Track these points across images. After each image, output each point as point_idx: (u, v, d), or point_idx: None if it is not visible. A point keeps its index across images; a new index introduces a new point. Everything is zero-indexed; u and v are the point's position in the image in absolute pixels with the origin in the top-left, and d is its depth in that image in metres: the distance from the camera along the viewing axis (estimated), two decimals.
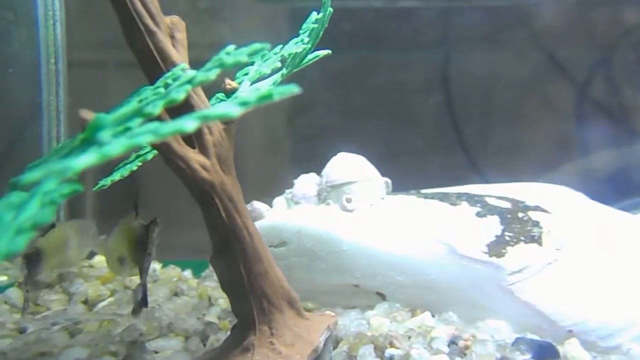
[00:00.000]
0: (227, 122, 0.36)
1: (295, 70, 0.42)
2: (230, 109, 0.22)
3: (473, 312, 0.43)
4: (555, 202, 0.55)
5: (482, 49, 0.82)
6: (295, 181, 0.60)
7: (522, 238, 0.46)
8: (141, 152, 0.37)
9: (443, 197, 0.54)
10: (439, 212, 0.50)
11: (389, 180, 0.60)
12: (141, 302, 0.31)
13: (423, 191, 0.59)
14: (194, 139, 0.33)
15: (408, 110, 0.83)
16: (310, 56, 0.43)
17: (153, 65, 0.31)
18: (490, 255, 0.45)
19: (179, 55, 0.32)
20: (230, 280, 0.34)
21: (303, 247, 0.51)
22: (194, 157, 0.32)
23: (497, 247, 0.46)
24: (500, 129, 0.83)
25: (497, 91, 0.82)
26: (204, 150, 0.33)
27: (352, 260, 0.49)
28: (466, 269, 0.45)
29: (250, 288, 0.34)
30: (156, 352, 0.36)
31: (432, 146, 0.83)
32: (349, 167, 0.56)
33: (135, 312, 0.32)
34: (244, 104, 0.21)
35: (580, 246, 0.47)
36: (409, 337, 0.40)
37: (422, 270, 0.46)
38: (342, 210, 0.53)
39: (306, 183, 0.59)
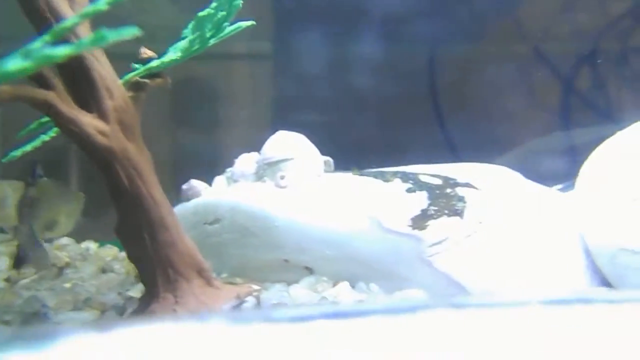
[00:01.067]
0: (136, 89, 0.36)
1: (215, 41, 0.42)
2: (57, 49, 0.21)
3: (395, 283, 0.44)
4: (488, 180, 0.56)
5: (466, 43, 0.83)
6: (236, 160, 0.60)
7: (445, 211, 0.48)
8: (43, 120, 0.38)
9: (378, 175, 0.55)
10: (370, 188, 0.51)
11: (330, 159, 0.60)
12: (16, 262, 0.31)
13: (364, 171, 0.61)
14: (92, 105, 0.33)
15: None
16: (231, 27, 0.44)
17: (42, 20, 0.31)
18: (413, 228, 0.46)
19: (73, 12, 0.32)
20: (135, 249, 0.34)
21: (236, 223, 0.52)
22: (90, 121, 0.32)
23: (420, 221, 0.47)
24: (483, 122, 0.83)
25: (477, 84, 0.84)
26: (102, 115, 0.33)
27: (283, 236, 0.49)
28: (390, 241, 0.46)
29: (155, 257, 0.34)
30: (59, 324, 0.36)
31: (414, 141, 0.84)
32: (285, 144, 0.57)
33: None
34: (75, 46, 0.21)
35: (501, 220, 0.48)
36: None
37: (349, 243, 0.47)
38: (276, 187, 0.54)
39: (245, 161, 0.59)
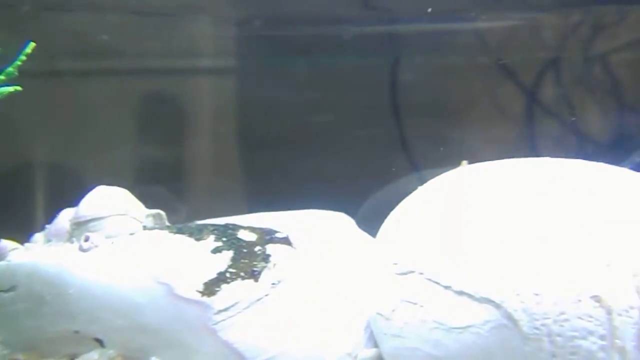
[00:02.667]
0: None
1: None
2: None
3: (182, 354, 0.43)
4: (314, 231, 0.57)
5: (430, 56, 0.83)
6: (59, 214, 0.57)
7: (241, 274, 0.47)
8: None
9: (195, 231, 0.54)
10: (175, 248, 0.49)
11: (162, 213, 0.58)
12: None
13: (198, 222, 0.59)
14: None
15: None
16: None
17: None
18: (203, 295, 0.44)
19: None
20: None
21: (32, 291, 0.48)
22: None
23: (212, 285, 0.45)
24: (446, 134, 0.82)
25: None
26: None
27: (75, 304, 0.46)
28: (180, 309, 0.43)
29: None
30: None
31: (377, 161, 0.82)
32: (100, 202, 0.53)
33: None
34: None
35: (300, 281, 0.47)
36: None
37: (140, 312, 0.44)
38: (79, 250, 0.52)
39: (63, 218, 0.57)
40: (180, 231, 0.56)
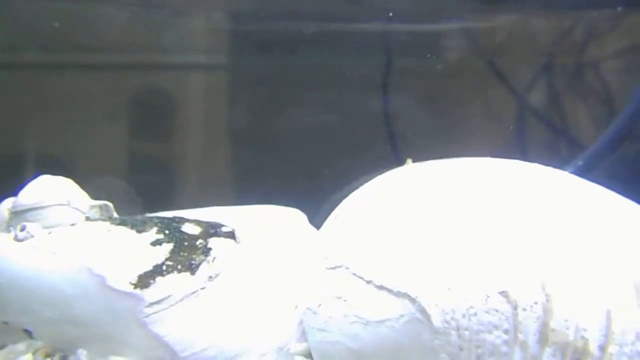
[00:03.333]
0: None
1: None
2: None
3: (111, 347, 0.42)
4: (264, 227, 0.57)
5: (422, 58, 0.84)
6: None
7: (178, 267, 0.46)
8: None
9: (138, 223, 0.53)
10: (112, 240, 0.48)
11: (109, 204, 0.58)
12: None
13: (148, 215, 0.58)
14: None
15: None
16: None
17: None
18: (136, 287, 0.44)
19: None
20: None
21: None
22: None
23: (147, 278, 0.45)
24: (436, 136, 0.83)
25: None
26: None
27: (6, 295, 0.45)
28: (111, 301, 0.43)
29: None
30: None
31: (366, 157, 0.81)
32: (40, 191, 0.52)
33: None
34: None
35: (240, 274, 0.47)
36: None
37: (70, 304, 0.44)
38: (14, 239, 0.51)
39: (2, 207, 0.55)
40: (123, 223, 0.55)
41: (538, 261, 0.29)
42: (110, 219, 0.56)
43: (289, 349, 0.38)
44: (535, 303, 0.27)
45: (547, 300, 0.27)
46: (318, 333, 0.32)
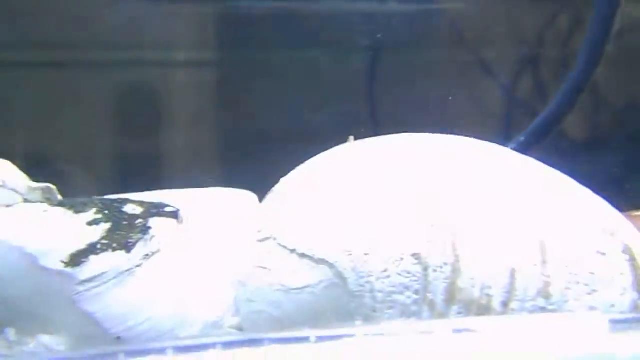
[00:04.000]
0: None
1: None
2: None
3: (40, 325, 0.42)
4: (211, 208, 0.57)
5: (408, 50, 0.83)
6: None
7: (114, 245, 0.46)
8: None
9: (78, 204, 0.53)
10: (47, 220, 0.48)
11: (51, 187, 0.57)
12: None
13: (95, 198, 0.58)
14: None
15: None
16: None
17: None
18: (67, 265, 0.44)
19: None
20: None
21: None
22: None
23: (80, 257, 0.45)
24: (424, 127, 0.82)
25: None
26: None
27: None
28: (42, 280, 0.42)
29: None
30: None
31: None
32: None
33: None
34: None
35: (182, 252, 0.48)
36: None
37: (1, 284, 0.44)
38: None
39: None
40: (61, 204, 0.54)
41: (450, 224, 0.30)
42: (49, 200, 0.55)
43: (223, 324, 0.38)
44: (445, 264, 0.28)
45: (457, 261, 0.28)
46: (246, 304, 0.33)
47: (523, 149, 0.55)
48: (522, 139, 0.55)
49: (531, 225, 0.29)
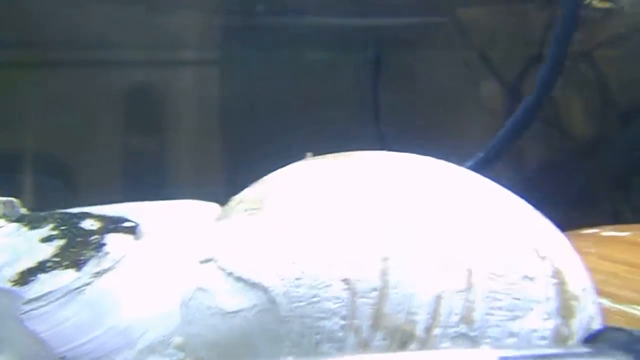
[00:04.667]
0: None
1: None
2: None
3: None
4: (174, 221, 0.57)
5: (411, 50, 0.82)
6: None
7: (65, 263, 0.46)
8: None
9: (35, 219, 0.52)
10: (1, 238, 0.48)
11: (14, 200, 0.56)
12: None
13: (57, 211, 0.57)
14: None
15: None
16: None
17: None
18: (15, 284, 0.44)
19: None
20: None
21: None
22: None
23: (28, 275, 0.45)
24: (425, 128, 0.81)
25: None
26: None
27: None
28: None
29: None
30: None
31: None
32: None
33: None
34: None
35: (135, 269, 0.48)
36: None
37: None
38: None
39: None
40: (19, 219, 0.54)
41: (380, 249, 0.30)
42: (5, 216, 0.55)
43: (171, 341, 0.39)
44: (374, 289, 0.28)
45: (384, 287, 0.28)
46: (188, 326, 0.32)
47: (482, 167, 0.56)
48: (481, 155, 0.56)
49: (460, 250, 0.30)
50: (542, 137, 0.77)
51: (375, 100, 0.79)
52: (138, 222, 0.53)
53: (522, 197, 0.36)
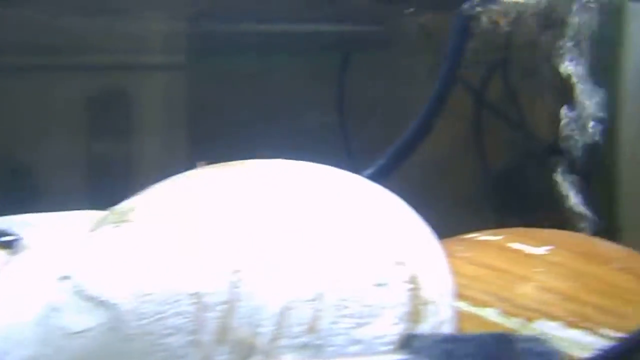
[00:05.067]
0: None
1: None
2: None
3: None
4: (65, 234, 0.54)
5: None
6: None
7: None
8: None
9: None
10: None
11: None
12: None
13: None
14: None
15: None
16: None
17: None
18: None
19: None
20: None
21: None
22: None
23: None
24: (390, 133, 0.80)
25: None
26: None
27: None
28: None
29: None
30: None
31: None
32: None
33: None
34: None
35: (7, 287, 0.46)
36: None
37: None
38: None
39: None
40: None
41: (233, 261, 0.30)
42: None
43: None
44: (223, 303, 0.28)
45: (234, 299, 0.28)
46: (41, 347, 0.31)
47: (383, 174, 0.57)
48: (382, 162, 0.57)
49: (313, 259, 0.30)
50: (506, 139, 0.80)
51: (340, 107, 0.80)
52: (23, 235, 0.50)
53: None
